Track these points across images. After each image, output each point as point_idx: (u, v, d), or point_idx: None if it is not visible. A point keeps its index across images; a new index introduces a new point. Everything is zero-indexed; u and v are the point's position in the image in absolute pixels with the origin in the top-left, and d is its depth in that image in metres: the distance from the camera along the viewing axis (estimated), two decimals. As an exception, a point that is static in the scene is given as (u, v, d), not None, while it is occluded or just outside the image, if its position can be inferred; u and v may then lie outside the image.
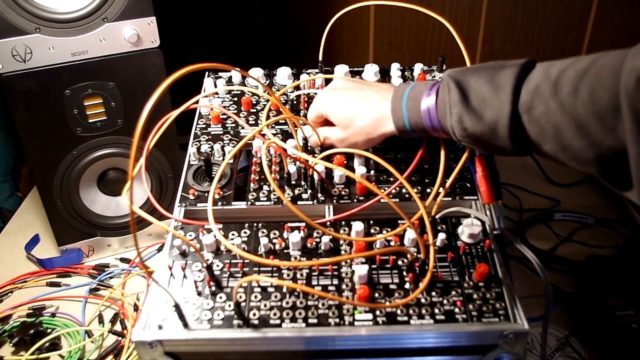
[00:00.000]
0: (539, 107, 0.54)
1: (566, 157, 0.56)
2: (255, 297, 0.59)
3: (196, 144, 0.79)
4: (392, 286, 0.60)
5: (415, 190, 0.70)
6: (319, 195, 0.70)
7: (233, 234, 0.66)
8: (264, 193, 0.71)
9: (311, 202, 0.70)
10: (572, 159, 0.56)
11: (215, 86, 0.90)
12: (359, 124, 0.69)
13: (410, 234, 0.64)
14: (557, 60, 0.55)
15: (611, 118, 0.49)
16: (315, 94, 0.86)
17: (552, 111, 0.53)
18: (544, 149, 0.57)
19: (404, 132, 0.66)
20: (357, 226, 0.64)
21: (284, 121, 0.82)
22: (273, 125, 0.82)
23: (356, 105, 0.69)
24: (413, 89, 0.65)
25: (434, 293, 0.59)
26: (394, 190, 0.71)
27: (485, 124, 0.58)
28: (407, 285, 0.60)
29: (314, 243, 0.65)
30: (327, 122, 0.75)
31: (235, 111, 0.85)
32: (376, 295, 0.59)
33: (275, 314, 0.57)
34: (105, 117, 0.92)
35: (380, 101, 0.67)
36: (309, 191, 0.71)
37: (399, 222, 0.67)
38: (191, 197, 0.71)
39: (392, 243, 0.64)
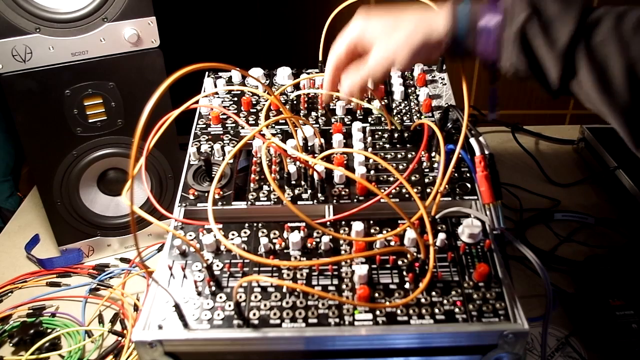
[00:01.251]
0: (599, 34, 0.54)
1: (596, 94, 0.55)
2: (255, 297, 0.59)
3: (196, 144, 0.79)
4: (392, 286, 0.60)
5: (415, 190, 0.70)
6: (319, 195, 0.70)
7: (233, 234, 0.66)
8: (264, 193, 0.71)
9: (311, 202, 0.70)
10: (601, 99, 0.55)
11: (215, 86, 0.90)
12: (405, 28, 0.62)
13: (410, 234, 0.64)
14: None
15: None
16: (315, 94, 0.87)
17: (608, 42, 0.54)
18: (580, 81, 0.56)
19: (453, 41, 0.61)
20: (357, 226, 0.64)
21: (284, 121, 0.82)
22: (273, 125, 0.82)
23: (400, 14, 0.63)
24: (465, 7, 0.61)
25: (434, 293, 0.59)
26: (394, 190, 0.71)
27: (548, 37, 0.56)
28: (407, 285, 0.60)
29: (314, 243, 0.65)
30: (351, 62, 0.67)
31: (235, 111, 0.85)
32: (376, 295, 0.59)
33: (275, 314, 0.57)
34: (105, 117, 0.92)
35: (431, 9, 0.63)
36: (309, 191, 0.71)
37: (399, 222, 0.67)
38: (191, 197, 0.71)
39: (392, 243, 0.64)
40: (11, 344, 0.85)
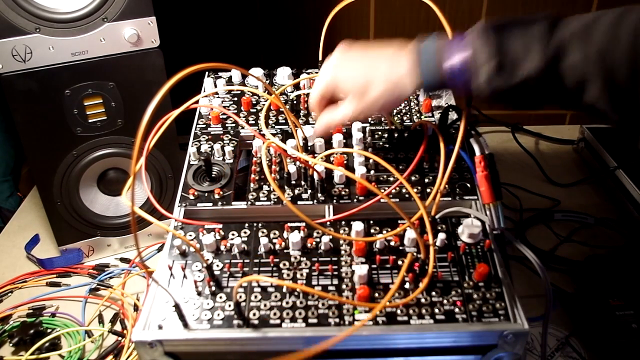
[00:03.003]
0: (569, 57, 0.55)
1: (587, 106, 0.57)
2: (255, 297, 0.59)
3: (196, 144, 0.79)
4: (392, 286, 0.60)
5: (415, 190, 0.70)
6: (319, 195, 0.70)
7: (233, 234, 0.66)
8: (264, 193, 0.71)
9: (311, 202, 0.70)
10: (592, 110, 0.57)
11: (215, 86, 0.90)
12: (375, 90, 0.64)
13: (410, 234, 0.64)
14: (582, 14, 0.57)
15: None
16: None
17: (581, 61, 0.54)
18: (569, 99, 0.58)
19: (424, 88, 0.65)
20: (357, 226, 0.64)
21: (284, 121, 0.82)
22: (273, 125, 0.82)
23: (369, 70, 0.65)
24: (431, 46, 0.62)
25: (434, 293, 0.59)
26: (394, 190, 0.71)
27: (517, 79, 0.57)
28: (407, 285, 0.60)
29: (314, 243, 0.65)
30: (330, 102, 0.70)
31: (235, 111, 0.85)
32: (376, 295, 0.59)
33: (275, 314, 0.57)
34: (105, 117, 0.92)
35: (398, 58, 0.64)
36: (309, 191, 0.71)
37: (399, 222, 0.67)
38: (191, 197, 0.71)
39: (392, 243, 0.64)
40: (11, 344, 0.85)
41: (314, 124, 0.82)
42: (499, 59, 0.57)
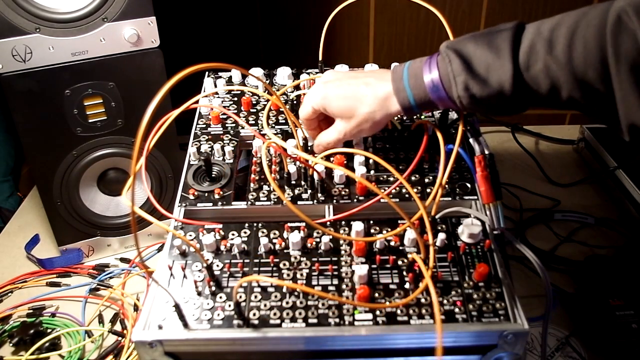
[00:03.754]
0: (537, 64, 0.57)
1: (565, 106, 0.59)
2: (255, 297, 0.59)
3: (196, 144, 0.79)
4: (392, 286, 0.60)
5: (415, 190, 0.70)
6: (319, 195, 0.70)
7: (233, 234, 0.66)
8: (264, 193, 0.71)
9: (311, 202, 0.70)
10: (571, 107, 0.59)
11: (215, 86, 0.90)
12: (362, 111, 0.67)
13: (410, 234, 0.64)
14: (545, 19, 0.58)
15: (605, 65, 0.53)
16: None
17: (549, 67, 0.56)
18: (546, 102, 0.60)
19: (409, 110, 0.66)
20: (357, 226, 0.64)
21: (284, 121, 0.82)
22: (273, 125, 0.82)
23: (356, 92, 0.68)
24: (411, 66, 0.65)
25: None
26: (394, 190, 0.71)
27: (491, 87, 0.59)
28: (407, 285, 0.60)
29: (314, 243, 0.65)
30: (320, 122, 0.74)
31: (235, 111, 0.85)
32: (376, 295, 0.59)
33: (275, 314, 0.57)
34: (105, 117, 0.92)
35: (381, 84, 0.67)
36: (309, 191, 0.71)
37: (399, 222, 0.67)
38: (191, 197, 0.71)
39: (392, 243, 0.64)
40: (11, 344, 0.85)
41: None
42: (469, 71, 0.60)
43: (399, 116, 0.83)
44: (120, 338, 0.87)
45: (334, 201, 0.70)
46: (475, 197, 0.70)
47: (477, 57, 0.60)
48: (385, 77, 0.67)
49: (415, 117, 0.83)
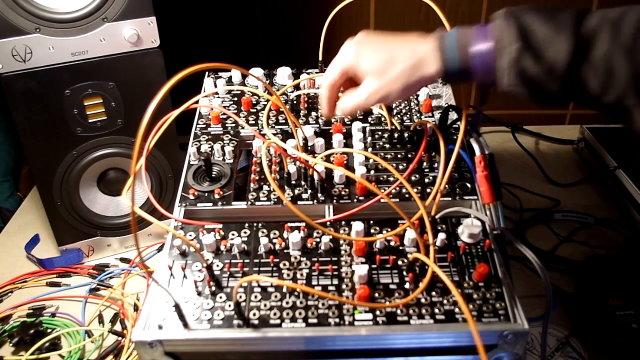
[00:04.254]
0: (598, 47, 0.53)
1: (607, 102, 0.55)
2: (255, 297, 0.59)
3: (196, 144, 0.79)
4: (392, 286, 0.60)
5: (415, 190, 0.70)
6: (319, 195, 0.70)
7: (233, 234, 0.66)
8: (264, 193, 0.71)
9: (311, 202, 0.70)
10: (615, 114, 0.55)
11: (215, 86, 0.90)
12: (397, 67, 0.62)
13: (410, 234, 0.64)
14: (606, 9, 0.55)
15: None
16: (315, 94, 0.87)
17: (611, 54, 0.53)
18: (592, 98, 0.56)
19: (446, 75, 0.61)
20: (357, 226, 0.64)
21: (284, 121, 0.82)
22: (273, 125, 0.82)
23: (392, 48, 0.62)
24: (461, 29, 0.61)
25: (434, 293, 0.59)
26: (394, 190, 0.71)
27: (544, 64, 0.55)
28: (407, 285, 0.60)
29: (314, 243, 0.65)
30: (345, 87, 0.68)
31: (235, 111, 0.85)
32: (376, 295, 0.59)
33: (275, 314, 0.57)
34: (105, 117, 0.92)
35: (421, 41, 0.62)
36: (309, 191, 0.71)
37: (399, 222, 0.67)
38: (191, 197, 0.71)
39: (392, 243, 0.64)
40: (11, 344, 0.85)
41: (314, 124, 0.82)
42: (524, 41, 0.55)
43: (399, 116, 0.83)
44: (120, 338, 0.87)
45: (334, 201, 0.70)
46: (475, 197, 0.70)
47: (536, 28, 0.55)
48: (427, 37, 0.62)
49: (415, 117, 0.83)
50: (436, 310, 0.57)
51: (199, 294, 0.60)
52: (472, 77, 0.60)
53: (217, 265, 0.63)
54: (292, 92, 0.88)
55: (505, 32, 0.56)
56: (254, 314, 0.57)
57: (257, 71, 0.91)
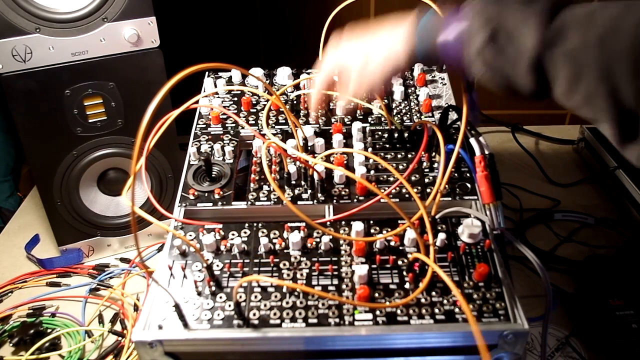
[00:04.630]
0: (566, 42, 0.51)
1: (576, 100, 0.52)
2: (255, 297, 0.59)
3: (196, 144, 0.79)
4: (392, 286, 0.60)
5: (415, 190, 0.70)
6: (319, 195, 0.70)
7: (233, 234, 0.66)
8: (264, 193, 0.71)
9: (311, 202, 0.70)
10: (581, 104, 0.52)
11: (215, 86, 0.90)
12: (373, 64, 0.66)
13: (410, 234, 0.64)
14: (583, 3, 0.52)
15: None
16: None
17: (578, 50, 0.50)
18: (560, 90, 0.53)
19: (419, 61, 0.65)
20: (357, 226, 0.64)
21: (284, 121, 0.82)
22: (273, 125, 0.82)
23: (368, 44, 0.67)
24: (432, 16, 0.62)
25: (434, 293, 0.59)
26: (394, 190, 0.71)
27: (508, 56, 0.54)
28: (407, 285, 0.60)
29: (314, 243, 0.65)
30: (334, 84, 0.72)
31: (235, 111, 0.85)
32: (376, 295, 0.59)
33: (275, 314, 0.57)
34: (105, 117, 0.92)
35: (395, 30, 0.65)
36: (309, 191, 0.71)
37: (399, 222, 0.67)
38: (191, 197, 0.71)
39: (392, 243, 0.64)
40: (11, 344, 0.85)
41: (314, 123, 0.82)
42: (492, 29, 0.55)
43: (399, 116, 0.83)
44: (120, 338, 0.87)
45: (334, 201, 0.70)
46: (475, 197, 0.70)
47: (505, 16, 0.54)
48: (398, 26, 0.65)
49: (415, 117, 0.83)
50: (436, 310, 0.57)
51: (199, 294, 0.60)
52: (444, 61, 0.63)
53: (217, 265, 0.63)
54: (292, 92, 0.88)
55: (474, 20, 0.56)
56: (254, 314, 0.57)
57: (257, 71, 0.90)
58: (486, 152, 0.67)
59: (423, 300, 0.58)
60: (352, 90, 0.69)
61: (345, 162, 0.74)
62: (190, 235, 0.67)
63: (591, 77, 0.50)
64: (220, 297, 0.59)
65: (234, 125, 0.83)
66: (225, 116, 0.83)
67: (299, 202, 0.70)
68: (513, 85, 0.56)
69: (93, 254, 1.03)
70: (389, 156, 0.76)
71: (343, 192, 0.71)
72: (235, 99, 0.88)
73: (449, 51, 0.59)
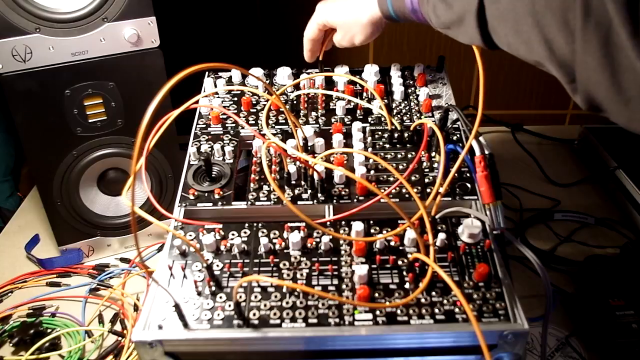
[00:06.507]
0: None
1: (522, 51, 0.56)
2: (255, 297, 0.59)
3: (196, 144, 0.79)
4: (392, 286, 0.60)
5: (415, 190, 0.70)
6: (319, 195, 0.70)
7: (233, 234, 0.66)
8: (264, 193, 0.71)
9: (311, 202, 0.70)
10: (527, 54, 0.56)
11: (215, 86, 0.90)
12: (352, 18, 0.80)
13: (410, 234, 0.64)
14: None
15: (566, 13, 0.50)
16: (316, 94, 0.87)
17: (514, 2, 0.54)
18: (504, 41, 0.58)
19: (389, 17, 0.76)
20: (357, 226, 0.64)
21: (284, 121, 0.82)
22: (273, 125, 0.82)
23: (348, 4, 0.80)
24: None
25: (434, 293, 0.59)
26: (394, 190, 0.71)
27: (455, 12, 0.61)
28: (407, 285, 0.60)
29: (314, 243, 0.65)
30: (324, 36, 0.87)
31: (235, 111, 0.85)
32: (376, 295, 0.59)
33: (275, 314, 0.57)
34: (105, 117, 0.92)
35: None
36: (309, 191, 0.71)
37: (399, 222, 0.67)
38: (191, 197, 0.71)
39: (392, 243, 0.64)
40: (11, 344, 0.85)
41: (314, 124, 0.82)
42: None
43: (399, 116, 0.83)
44: (120, 338, 0.87)
45: (334, 201, 0.70)
46: (475, 197, 0.70)
47: None
48: None
49: (415, 117, 0.83)
50: (436, 310, 0.57)
51: (199, 294, 0.60)
52: (413, 18, 0.71)
53: (217, 265, 0.63)
54: (292, 92, 0.88)
55: None
56: (254, 314, 0.57)
57: (257, 71, 0.91)
58: (486, 152, 0.67)
59: (423, 300, 0.58)
60: (336, 42, 0.85)
61: (345, 162, 0.74)
62: (190, 235, 0.67)
63: (528, 28, 0.54)
64: (220, 297, 0.59)
65: (234, 125, 0.83)
66: (225, 116, 0.83)
67: (299, 202, 0.70)
68: (465, 36, 0.63)
69: (93, 254, 1.03)
70: (389, 156, 0.76)
71: (343, 192, 0.71)
72: (235, 99, 0.88)
73: (412, 8, 0.69)
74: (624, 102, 0.48)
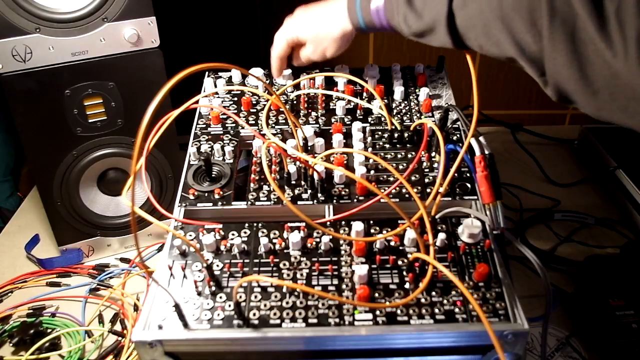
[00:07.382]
0: (471, 4, 0.59)
1: (494, 51, 0.59)
2: (255, 297, 0.59)
3: (196, 144, 0.79)
4: (392, 286, 0.60)
5: (415, 190, 0.70)
6: (319, 195, 0.70)
7: (233, 234, 0.66)
8: (264, 193, 0.71)
9: (311, 202, 0.70)
10: (499, 53, 0.59)
11: (215, 86, 0.90)
12: (323, 34, 0.78)
13: (410, 234, 0.64)
14: None
15: (532, 14, 0.53)
16: (315, 94, 0.87)
17: (481, 8, 0.57)
18: (476, 43, 0.61)
19: (359, 29, 0.75)
20: (357, 226, 0.64)
21: (284, 121, 0.82)
22: (273, 125, 0.82)
23: (318, 18, 0.79)
24: None
25: (434, 293, 0.59)
26: (394, 190, 0.71)
27: (425, 22, 0.64)
28: (407, 285, 0.60)
29: (314, 243, 0.65)
30: (293, 51, 0.83)
31: (235, 111, 0.85)
32: (376, 295, 0.59)
33: (275, 314, 0.57)
34: (105, 117, 0.92)
35: (337, 4, 0.76)
36: (309, 191, 0.71)
37: (399, 222, 0.67)
38: (191, 197, 0.71)
39: (392, 243, 0.64)
40: (11, 344, 0.85)
41: (314, 124, 0.82)
42: (409, 3, 0.65)
43: (399, 116, 0.83)
44: (120, 338, 0.87)
45: (334, 201, 0.70)
46: (475, 197, 0.70)
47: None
48: (340, 2, 0.76)
49: (415, 117, 0.83)
50: (436, 310, 0.57)
51: (199, 294, 0.60)
52: (381, 27, 0.71)
53: (217, 265, 0.63)
54: (292, 92, 0.88)
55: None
56: (254, 314, 0.57)
57: (257, 71, 0.91)
58: (486, 152, 0.67)
59: (423, 300, 0.58)
60: (306, 57, 0.82)
61: (345, 162, 0.74)
62: (190, 235, 0.67)
63: (497, 31, 0.56)
64: (220, 297, 0.59)
65: (234, 125, 0.83)
66: (225, 116, 0.83)
67: (299, 202, 0.70)
68: (437, 42, 0.65)
69: (93, 254, 1.03)
70: (389, 156, 0.76)
71: (343, 192, 0.71)
72: (235, 99, 0.88)
73: (381, 21, 0.70)
74: (592, 93, 0.51)
